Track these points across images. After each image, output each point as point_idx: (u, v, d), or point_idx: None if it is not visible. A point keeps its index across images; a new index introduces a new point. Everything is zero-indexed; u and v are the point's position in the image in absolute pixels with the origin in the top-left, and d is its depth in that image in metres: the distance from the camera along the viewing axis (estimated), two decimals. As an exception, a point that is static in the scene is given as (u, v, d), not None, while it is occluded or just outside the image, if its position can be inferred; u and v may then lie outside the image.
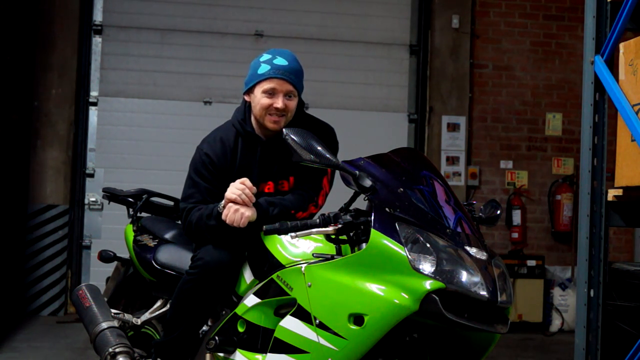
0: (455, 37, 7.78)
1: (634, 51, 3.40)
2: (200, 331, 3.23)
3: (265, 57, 3.12)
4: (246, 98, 3.18)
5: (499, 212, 3.18)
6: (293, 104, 3.11)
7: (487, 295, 2.48)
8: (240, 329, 2.97)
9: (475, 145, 7.86)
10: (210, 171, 3.13)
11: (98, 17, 7.44)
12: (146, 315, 3.50)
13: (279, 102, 3.06)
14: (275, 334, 2.73)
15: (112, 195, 3.91)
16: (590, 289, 3.59)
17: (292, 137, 2.67)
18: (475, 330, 2.54)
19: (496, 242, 7.82)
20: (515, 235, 7.75)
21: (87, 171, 7.37)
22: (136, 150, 7.38)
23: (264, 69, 3.08)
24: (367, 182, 2.64)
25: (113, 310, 3.45)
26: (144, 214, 3.88)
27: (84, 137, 7.37)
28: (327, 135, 3.25)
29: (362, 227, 2.63)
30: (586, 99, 3.69)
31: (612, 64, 3.60)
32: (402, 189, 2.65)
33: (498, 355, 6.28)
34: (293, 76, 3.09)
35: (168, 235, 3.59)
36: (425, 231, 2.53)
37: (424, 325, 2.65)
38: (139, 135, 7.39)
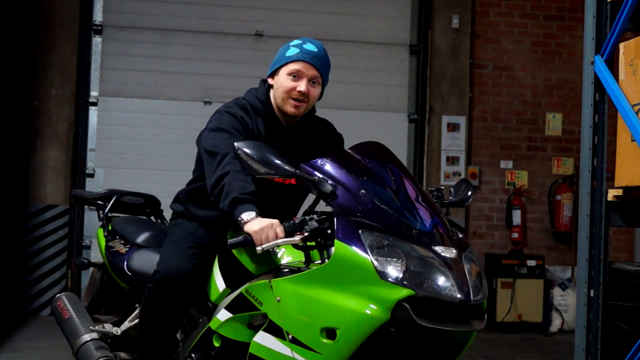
0: (455, 37, 7.79)
1: (634, 51, 3.40)
2: (177, 335, 3.17)
3: (296, 42, 3.07)
4: (270, 81, 3.11)
5: (470, 192, 3.14)
6: (316, 91, 3.07)
7: (459, 297, 2.44)
8: (216, 344, 2.91)
9: (475, 145, 7.86)
10: (241, 133, 2.99)
11: (98, 17, 7.44)
12: (126, 324, 3.42)
13: (302, 86, 3.01)
14: (250, 350, 2.69)
15: (80, 198, 3.82)
16: (590, 289, 3.59)
17: (245, 150, 2.60)
18: (451, 331, 2.51)
19: (496, 242, 7.82)
20: (515, 235, 7.75)
21: (87, 171, 7.36)
22: (136, 150, 7.38)
23: (292, 51, 3.03)
24: (327, 188, 2.59)
25: (93, 323, 3.42)
26: (120, 215, 3.79)
27: (84, 137, 7.37)
28: (327, 129, 3.27)
29: (328, 231, 2.57)
30: (586, 99, 3.69)
31: (612, 64, 3.60)
32: (363, 191, 2.60)
33: (498, 355, 6.28)
34: (320, 63, 3.05)
35: (140, 239, 3.47)
36: (390, 236, 2.48)
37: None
38: (139, 135, 7.39)
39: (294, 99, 3.03)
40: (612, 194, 3.53)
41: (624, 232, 7.96)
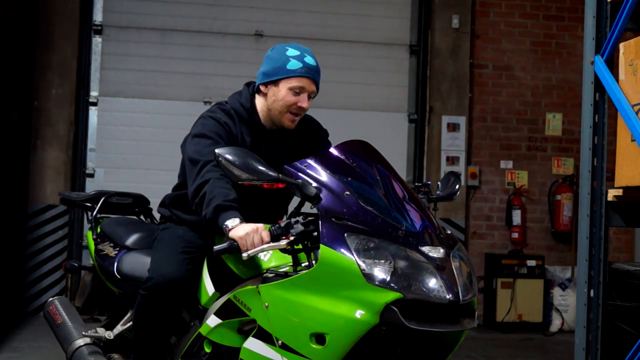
0: (455, 37, 7.79)
1: (634, 51, 3.40)
2: (171, 340, 3.15)
3: (294, 52, 2.98)
4: (263, 89, 3.04)
5: (457, 186, 3.12)
6: (310, 104, 3.03)
7: (448, 298, 2.41)
8: (207, 349, 2.89)
9: (475, 145, 7.86)
10: (223, 139, 2.95)
11: (98, 17, 7.44)
12: (118, 328, 3.39)
13: (304, 102, 2.97)
14: (241, 356, 2.68)
15: (68, 200, 3.76)
16: (590, 289, 3.59)
17: (226, 156, 2.55)
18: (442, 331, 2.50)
19: (496, 242, 7.82)
20: (515, 235, 7.75)
21: (87, 171, 7.37)
22: (136, 150, 7.38)
23: (295, 65, 2.95)
24: (311, 191, 2.55)
25: (86, 327, 3.41)
26: (109, 215, 3.75)
27: (84, 137, 7.37)
28: (311, 128, 3.23)
29: (314, 233, 2.55)
30: (586, 99, 3.69)
31: (612, 64, 3.59)
32: (348, 192, 2.57)
33: (498, 355, 6.28)
34: (319, 78, 3.02)
35: (129, 242, 3.42)
36: (376, 238, 2.46)
37: None
38: (139, 135, 7.39)
39: (292, 113, 3.00)
40: (612, 194, 3.52)
41: (624, 232, 7.96)
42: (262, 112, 3.07)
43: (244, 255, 2.54)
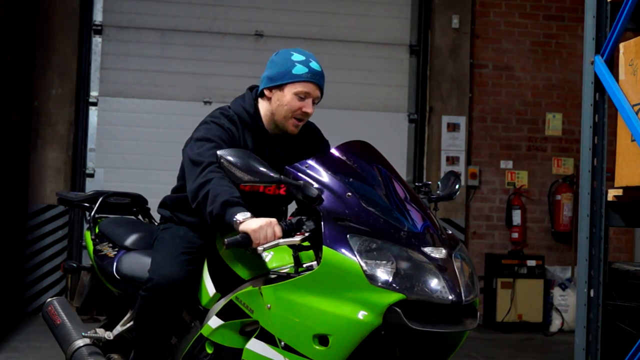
0: (455, 37, 7.79)
1: (634, 51, 3.40)
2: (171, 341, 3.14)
3: (299, 57, 2.98)
4: (267, 93, 3.02)
5: (457, 185, 3.12)
6: (314, 109, 3.02)
7: (450, 298, 2.42)
8: (209, 351, 2.88)
9: (475, 145, 7.86)
10: (226, 143, 2.92)
11: (98, 17, 7.45)
12: (118, 329, 3.39)
13: (309, 108, 2.96)
14: (243, 357, 2.68)
15: (65, 201, 3.75)
16: (590, 289, 3.59)
17: (228, 158, 2.55)
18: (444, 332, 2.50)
19: (496, 242, 7.82)
20: (515, 235, 7.75)
21: (87, 171, 7.37)
22: (136, 150, 7.38)
23: (300, 70, 2.94)
24: (313, 192, 2.54)
25: (85, 327, 3.41)
26: (107, 215, 3.74)
27: (84, 137, 7.37)
28: (314, 135, 3.22)
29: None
30: (586, 99, 3.69)
31: (612, 64, 3.59)
32: (350, 193, 2.57)
33: (498, 355, 6.28)
34: (323, 82, 3.01)
35: (128, 242, 3.41)
36: (379, 240, 2.46)
37: None
38: (139, 135, 7.39)
39: (297, 119, 2.99)
40: (612, 194, 3.52)
41: (624, 232, 7.96)
42: (265, 116, 3.06)
43: (259, 249, 2.52)
